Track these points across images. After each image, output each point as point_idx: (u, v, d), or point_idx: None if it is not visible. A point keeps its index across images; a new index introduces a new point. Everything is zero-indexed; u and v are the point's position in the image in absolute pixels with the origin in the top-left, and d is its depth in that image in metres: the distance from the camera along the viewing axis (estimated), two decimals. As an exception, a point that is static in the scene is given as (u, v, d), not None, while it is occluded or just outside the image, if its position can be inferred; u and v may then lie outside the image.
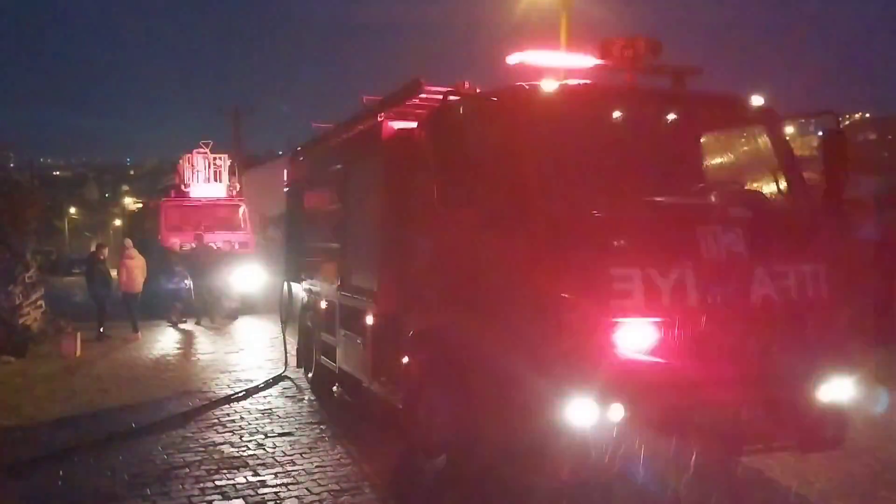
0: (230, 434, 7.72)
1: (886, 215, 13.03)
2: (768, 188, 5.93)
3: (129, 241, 17.08)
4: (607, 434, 4.64)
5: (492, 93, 5.66)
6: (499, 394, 5.10)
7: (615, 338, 4.77)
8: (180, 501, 5.81)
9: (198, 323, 17.36)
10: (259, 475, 6.40)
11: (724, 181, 6.27)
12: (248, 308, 19.01)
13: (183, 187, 22.41)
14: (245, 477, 6.36)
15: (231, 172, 23.26)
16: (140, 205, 27.94)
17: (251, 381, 10.44)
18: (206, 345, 14.62)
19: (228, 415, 8.57)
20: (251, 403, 9.16)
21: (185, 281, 17.60)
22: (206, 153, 22.83)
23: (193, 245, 18.38)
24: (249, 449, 7.18)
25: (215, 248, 18.88)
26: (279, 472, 6.46)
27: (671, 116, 5.79)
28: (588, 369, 4.65)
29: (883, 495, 5.90)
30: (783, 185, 5.76)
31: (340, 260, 8.29)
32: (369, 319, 7.26)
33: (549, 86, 5.27)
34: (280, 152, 44.94)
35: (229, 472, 6.47)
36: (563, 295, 4.74)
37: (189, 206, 21.42)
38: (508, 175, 5.20)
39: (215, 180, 22.69)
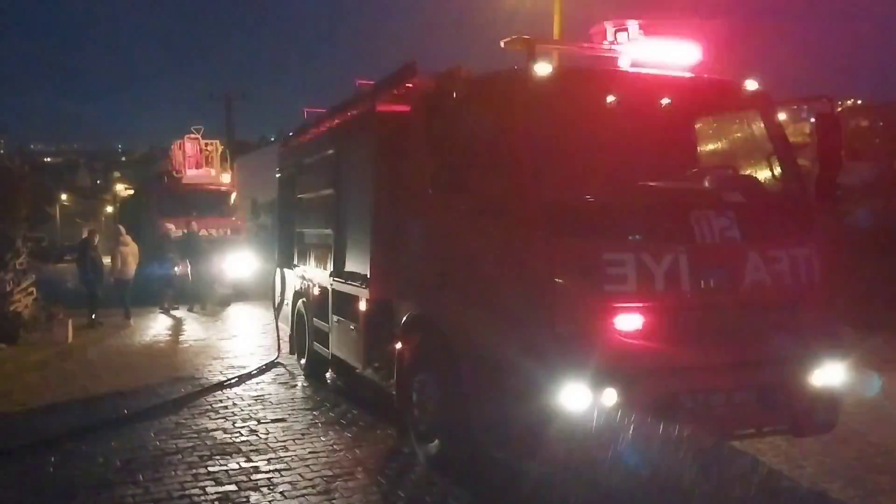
0: (223, 420, 7.71)
1: (878, 201, 13.08)
2: (762, 173, 5.92)
3: (122, 228, 17.01)
4: (600, 419, 4.65)
5: (485, 76, 5.63)
6: (492, 379, 5.10)
7: (608, 322, 4.78)
8: (173, 487, 5.80)
9: (190, 310, 17.33)
10: (252, 461, 6.39)
11: (718, 166, 6.26)
12: (240, 295, 18.98)
13: (174, 173, 22.31)
14: (238, 463, 6.35)
15: (223, 158, 23.17)
16: (131, 191, 27.81)
17: (244, 367, 10.42)
18: (198, 331, 14.59)
19: (221, 401, 8.55)
20: (244, 390, 9.14)
21: (177, 267, 17.54)
22: (197, 139, 22.72)
23: (184, 232, 18.26)
24: (242, 435, 7.17)
25: (205, 234, 18.77)
26: (272, 458, 6.45)
27: (665, 101, 5.77)
28: (581, 354, 4.65)
29: (873, 479, 5.92)
30: (777, 170, 5.75)
31: (333, 246, 8.26)
32: (362, 305, 7.24)
33: (542, 69, 5.24)
34: (272, 138, 44.82)
35: (222, 458, 6.46)
36: (556, 280, 4.73)
37: (180, 192, 21.32)
38: (502, 159, 5.17)
39: (207, 166, 22.59)
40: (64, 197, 67.61)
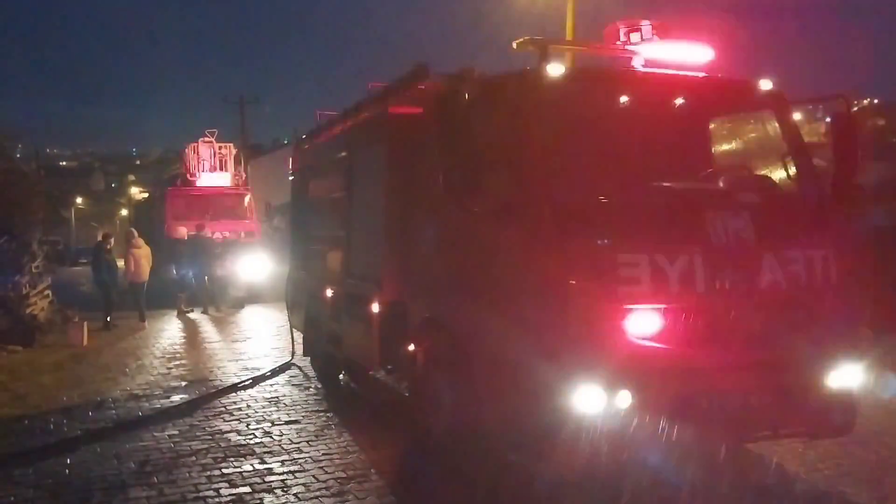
0: (237, 422, 7.73)
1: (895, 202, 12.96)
2: (777, 173, 5.88)
3: (134, 231, 17.09)
4: (614, 421, 4.62)
5: (498, 78, 5.62)
6: (505, 381, 5.08)
7: (623, 324, 4.75)
8: (187, 489, 5.82)
9: (204, 312, 17.38)
10: (266, 463, 6.40)
11: (733, 166, 6.23)
12: (254, 297, 19.05)
13: (188, 177, 22.44)
14: (252, 465, 6.36)
15: (236, 161, 23.29)
16: (146, 194, 28.02)
17: (258, 369, 10.45)
18: (212, 333, 14.65)
19: (235, 403, 8.57)
20: (258, 391, 9.16)
21: (191, 270, 17.61)
22: (211, 142, 22.86)
23: (192, 233, 18.27)
24: (256, 437, 7.18)
25: (214, 237, 18.80)
26: (286, 460, 6.46)
27: (679, 101, 5.74)
28: (595, 356, 4.62)
29: (891, 482, 5.87)
30: (792, 170, 5.71)
31: (346, 247, 8.27)
32: (375, 307, 7.24)
33: (555, 70, 5.22)
34: (286, 141, 44.96)
35: (236, 460, 6.48)
36: (570, 281, 4.71)
37: (194, 195, 21.46)
38: (515, 161, 5.16)
39: (221, 169, 22.72)
40: (79, 200, 68.09)
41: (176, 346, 13.09)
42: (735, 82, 5.96)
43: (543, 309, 4.83)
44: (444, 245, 6.17)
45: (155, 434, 7.32)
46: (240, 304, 18.44)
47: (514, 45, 5.72)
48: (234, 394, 9.03)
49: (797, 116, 6.44)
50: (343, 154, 8.57)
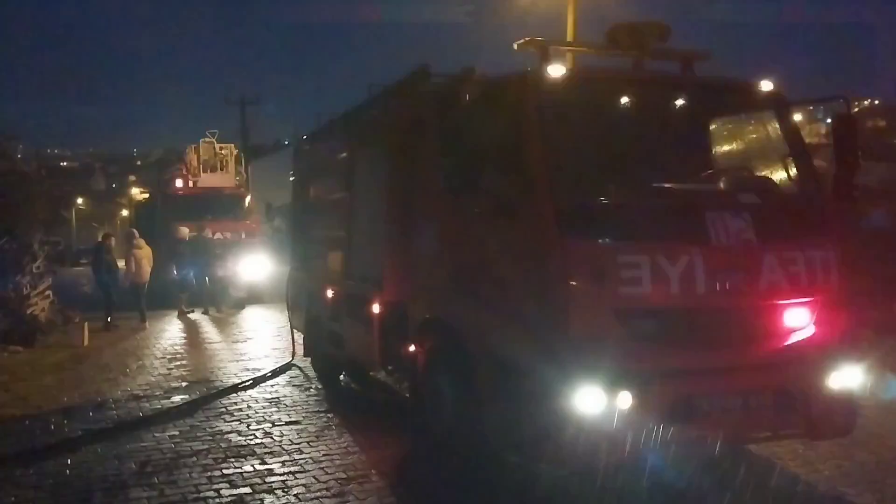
0: (238, 423, 7.73)
1: (895, 202, 12.97)
2: (778, 174, 5.88)
3: (135, 231, 17.09)
4: (615, 421, 4.62)
5: (498, 79, 5.62)
6: (506, 381, 5.08)
7: (623, 325, 4.76)
8: (188, 489, 5.82)
9: (205, 312, 17.39)
10: (266, 463, 6.40)
11: (734, 167, 6.23)
12: (255, 297, 19.06)
13: (189, 177, 22.44)
14: (252, 465, 6.36)
15: (237, 162, 23.32)
16: (147, 195, 28.05)
17: (258, 369, 10.45)
18: (213, 334, 14.65)
19: (236, 403, 8.57)
20: (259, 392, 9.16)
21: (192, 271, 17.62)
22: (212, 143, 22.87)
23: (193, 234, 18.27)
24: (257, 437, 7.18)
25: (215, 238, 18.78)
26: (286, 461, 6.46)
27: (679, 102, 5.74)
28: (596, 356, 4.63)
29: (892, 483, 5.86)
30: (793, 171, 5.71)
31: (347, 248, 8.27)
32: (376, 307, 7.24)
33: (555, 71, 5.23)
34: (286, 142, 44.97)
35: (237, 461, 6.48)
36: (570, 282, 4.72)
37: (195, 196, 21.45)
38: (515, 162, 5.16)
39: (221, 170, 22.72)
40: (80, 201, 68.09)
41: (177, 347, 13.09)
42: (736, 83, 5.96)
43: (544, 309, 4.83)
44: (445, 245, 6.18)
45: (156, 434, 7.32)
46: (240, 304, 18.44)
47: (515, 46, 5.73)
48: (234, 394, 9.03)
49: (798, 117, 6.43)
50: (344, 155, 8.57)
